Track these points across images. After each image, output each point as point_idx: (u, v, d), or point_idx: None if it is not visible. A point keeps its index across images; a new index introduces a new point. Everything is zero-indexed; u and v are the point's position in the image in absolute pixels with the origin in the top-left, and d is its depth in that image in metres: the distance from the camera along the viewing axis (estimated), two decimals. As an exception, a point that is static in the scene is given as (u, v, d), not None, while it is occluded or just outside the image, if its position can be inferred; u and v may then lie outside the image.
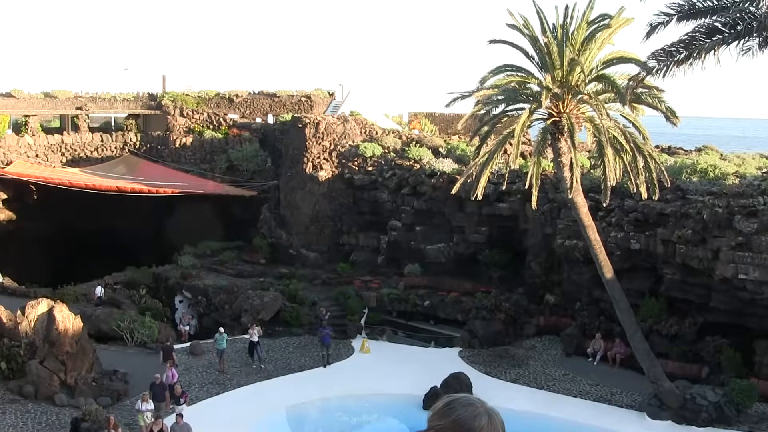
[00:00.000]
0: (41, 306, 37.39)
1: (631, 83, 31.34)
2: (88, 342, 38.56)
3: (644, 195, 37.98)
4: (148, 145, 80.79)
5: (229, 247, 68.00)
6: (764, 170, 47.44)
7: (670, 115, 36.42)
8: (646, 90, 35.32)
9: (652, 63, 23.26)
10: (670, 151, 62.87)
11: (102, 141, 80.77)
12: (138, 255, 65.74)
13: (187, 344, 47.49)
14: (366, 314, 53.34)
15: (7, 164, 72.58)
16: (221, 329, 43.60)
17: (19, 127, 79.45)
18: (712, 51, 21.77)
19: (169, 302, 57.97)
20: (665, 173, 38.60)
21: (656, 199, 39.31)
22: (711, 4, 22.40)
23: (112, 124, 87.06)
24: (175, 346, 46.53)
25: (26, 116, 79.05)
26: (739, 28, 21.66)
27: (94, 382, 37.46)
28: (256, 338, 45.34)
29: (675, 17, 22.69)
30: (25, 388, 34.90)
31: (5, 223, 71.69)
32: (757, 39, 21.44)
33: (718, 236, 41.03)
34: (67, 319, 36.99)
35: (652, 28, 22.84)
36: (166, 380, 36.41)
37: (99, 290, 55.27)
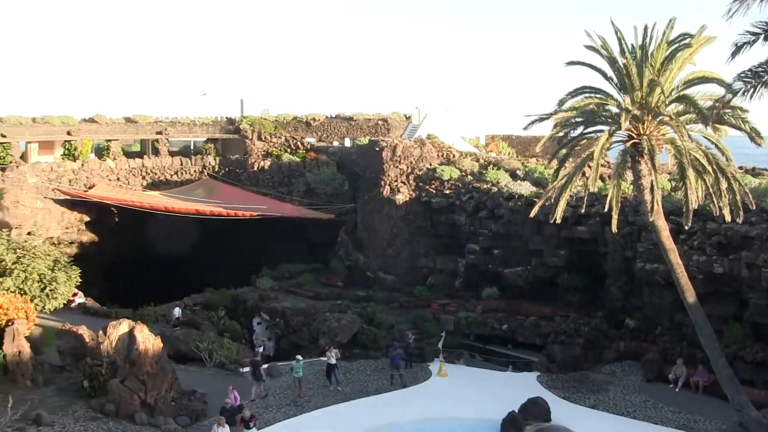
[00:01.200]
0: (122, 326, 37.72)
1: (716, 105, 30.78)
2: (167, 362, 38.78)
3: (728, 217, 37.21)
4: (227, 169, 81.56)
5: (307, 269, 68.32)
6: None
7: (754, 136, 35.67)
8: (729, 110, 34.60)
9: (738, 85, 22.72)
10: (754, 172, 61.91)
11: (181, 164, 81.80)
12: (217, 277, 66.13)
13: (265, 366, 47.52)
14: (443, 338, 53.04)
15: (90, 187, 73.81)
16: (299, 357, 43.41)
17: (101, 152, 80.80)
18: (804, 71, 21.20)
19: (248, 324, 58.27)
20: (749, 195, 37.85)
21: (740, 221, 38.49)
22: (802, 22, 21.85)
23: (192, 147, 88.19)
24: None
25: (108, 141, 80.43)
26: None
27: (173, 401, 37.69)
28: (333, 361, 45.24)
29: (762, 36, 22.14)
30: (106, 406, 35.24)
31: (87, 245, 72.76)
32: None
33: (806, 260, 40.16)
34: (148, 340, 37.26)
35: (737, 48, 22.33)
36: (231, 403, 36.47)
37: (177, 311, 55.64)
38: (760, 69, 21.98)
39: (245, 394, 40.89)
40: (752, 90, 22.19)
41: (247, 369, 45.58)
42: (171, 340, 47.05)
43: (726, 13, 19.20)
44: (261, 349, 52.32)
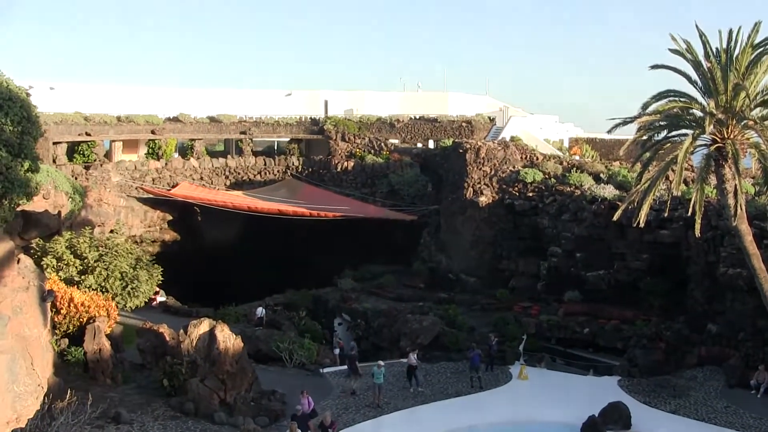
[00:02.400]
0: (203, 325, 38.19)
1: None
2: (247, 362, 39.22)
3: (812, 223, 36.91)
4: (310, 169, 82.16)
5: (389, 271, 68.54)
6: None
7: (841, 141, 35.38)
8: (814, 115, 34.34)
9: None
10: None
11: (265, 164, 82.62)
12: (299, 277, 66.73)
13: (344, 367, 47.91)
14: (525, 340, 53.00)
15: (173, 186, 74.89)
16: (380, 362, 43.62)
17: (185, 151, 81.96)
18: None
19: (329, 325, 58.62)
20: (834, 200, 37.47)
21: (825, 227, 38.16)
22: None
23: (275, 148, 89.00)
24: (332, 369, 47.19)
25: (192, 140, 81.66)
26: None
27: (253, 401, 38.07)
28: (414, 362, 45.58)
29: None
30: (185, 405, 35.59)
31: (170, 244, 73.93)
32: None
33: None
34: (228, 339, 37.73)
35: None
36: (303, 409, 36.53)
37: (260, 311, 56.13)
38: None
39: (324, 396, 41.40)
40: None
41: (328, 369, 46.24)
42: (251, 340, 47.58)
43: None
44: (337, 351, 52.77)
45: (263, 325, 54.46)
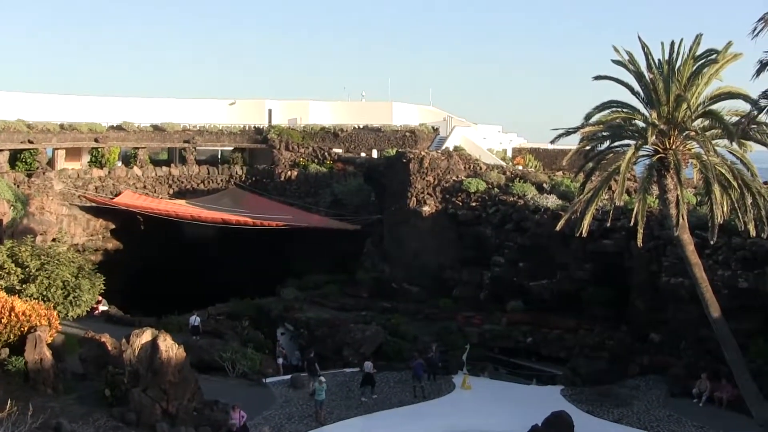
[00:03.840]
0: (145, 335, 37.77)
1: (741, 121, 30.91)
2: (190, 372, 38.85)
3: (753, 233, 37.22)
4: (254, 178, 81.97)
5: (332, 280, 68.41)
6: None
7: (779, 152, 35.79)
8: (755, 126, 34.62)
9: (764, 102, 22.86)
10: (780, 187, 61.68)
11: (208, 173, 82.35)
12: (242, 287, 66.35)
13: (288, 377, 47.68)
14: (468, 350, 53.03)
15: (117, 195, 74.32)
16: (321, 379, 43.44)
17: (128, 159, 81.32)
18: (828, 90, 21.30)
19: (272, 334, 58.32)
20: (775, 210, 37.82)
21: (765, 237, 38.46)
22: (824, 41, 21.95)
23: (219, 157, 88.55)
24: (275, 379, 47.00)
25: (135, 148, 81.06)
26: None
27: (196, 411, 37.74)
28: (371, 369, 45.94)
29: (787, 55, 22.29)
30: (127, 415, 35.22)
31: (112, 253, 73.28)
32: None
33: (831, 275, 40.15)
34: (171, 349, 37.34)
35: (762, 66, 22.50)
36: (236, 424, 36.33)
37: (195, 320, 55.79)
38: (784, 87, 22.11)
39: (267, 406, 41.21)
40: (778, 107, 22.32)
41: (271, 379, 46.09)
42: (194, 350, 47.23)
43: (751, 32, 19.35)
44: (281, 361, 52.54)
45: (199, 334, 54.03)
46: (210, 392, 40.74)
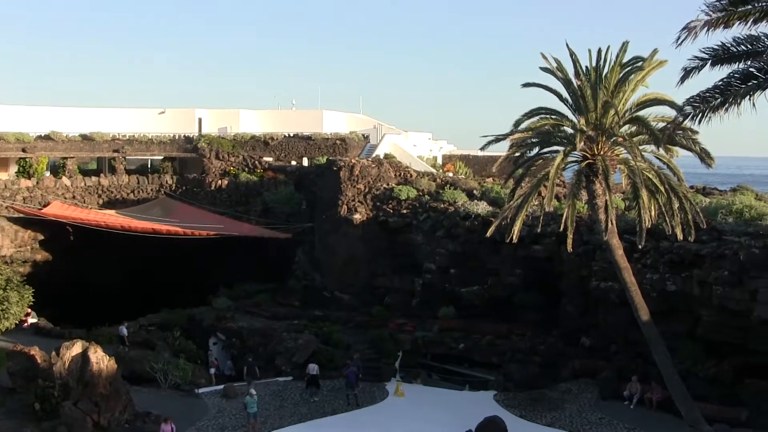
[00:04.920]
0: (76, 347, 37.42)
1: (668, 127, 31.37)
2: (122, 383, 38.57)
3: (680, 236, 37.76)
4: (184, 188, 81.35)
5: (264, 289, 68.12)
6: (800, 211, 47.14)
7: (704, 157, 36.34)
8: (681, 131, 35.12)
9: (688, 109, 23.24)
10: (705, 191, 62.77)
11: (138, 183, 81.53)
12: (173, 296, 65.88)
13: (220, 387, 47.47)
14: (400, 357, 53.15)
15: (45, 206, 73.36)
16: (252, 392, 43.29)
17: (57, 169, 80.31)
18: (748, 96, 21.73)
19: (204, 344, 57.91)
20: (701, 214, 38.45)
21: (692, 240, 39.05)
22: (745, 49, 22.39)
23: (149, 166, 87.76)
24: (207, 389, 46.79)
25: (64, 158, 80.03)
26: (775, 72, 21.66)
27: (127, 423, 37.46)
28: (314, 372, 46.72)
29: (709, 62, 22.69)
30: (58, 429, 34.83)
31: (41, 264, 72.26)
32: (793, 83, 21.43)
33: (756, 277, 40.86)
34: (102, 361, 37.05)
35: (686, 73, 22.83)
36: None
37: (122, 330, 55.27)
38: (708, 94, 22.49)
39: (199, 417, 41.03)
40: (700, 114, 22.71)
41: (203, 390, 45.96)
42: (125, 361, 46.85)
43: (675, 41, 19.70)
44: (213, 371, 52.31)
45: (126, 345, 53.57)
46: (142, 404, 40.42)
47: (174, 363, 48.62)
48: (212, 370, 52.23)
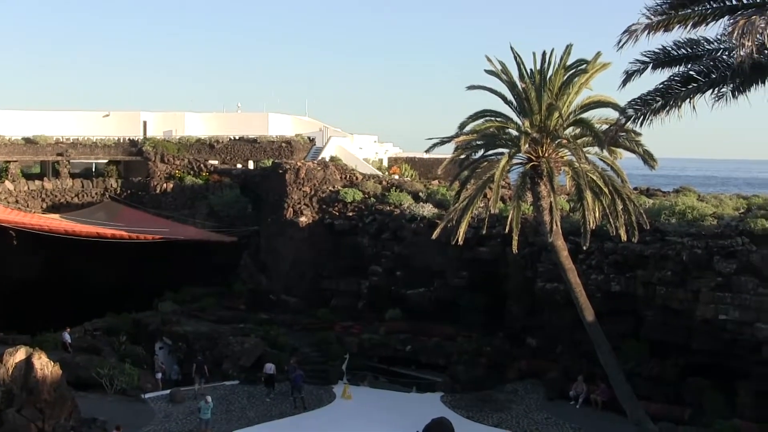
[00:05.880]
0: (19, 353, 37.00)
1: (610, 129, 31.68)
2: (67, 390, 38.19)
3: (624, 237, 38.13)
4: (129, 191, 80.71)
5: (210, 293, 67.64)
6: (741, 211, 47.79)
7: (647, 158, 36.79)
8: (624, 134, 35.45)
9: (630, 111, 23.53)
10: (648, 193, 63.34)
11: (83, 187, 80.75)
12: (118, 301, 65.32)
13: (167, 392, 47.21)
14: (347, 360, 53.16)
15: (-13, 211, 72.35)
16: (208, 398, 43.04)
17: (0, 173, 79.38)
18: (688, 99, 22.04)
19: (150, 349, 57.49)
20: (644, 215, 38.87)
21: (635, 241, 39.48)
22: (685, 53, 22.71)
23: (93, 170, 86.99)
24: (154, 394, 46.55)
25: (7, 162, 79.01)
26: (714, 76, 21.97)
27: (73, 430, 37.08)
28: (271, 371, 47.60)
29: (650, 65, 22.98)
30: (1, 436, 34.55)
31: (-17, 270, 71.29)
32: (731, 86, 21.74)
33: (698, 277, 41.48)
34: (46, 367, 36.68)
35: (628, 76, 23.10)
36: None
37: (66, 336, 54.76)
38: (649, 97, 22.77)
39: (146, 422, 40.83)
40: (642, 117, 22.98)
41: (150, 394, 45.77)
42: (71, 367, 46.31)
43: (617, 44, 19.93)
44: (159, 375, 52.01)
45: (69, 351, 53.08)
46: (88, 410, 40.11)
47: (120, 368, 48.28)
48: (159, 375, 51.92)
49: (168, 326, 58.91)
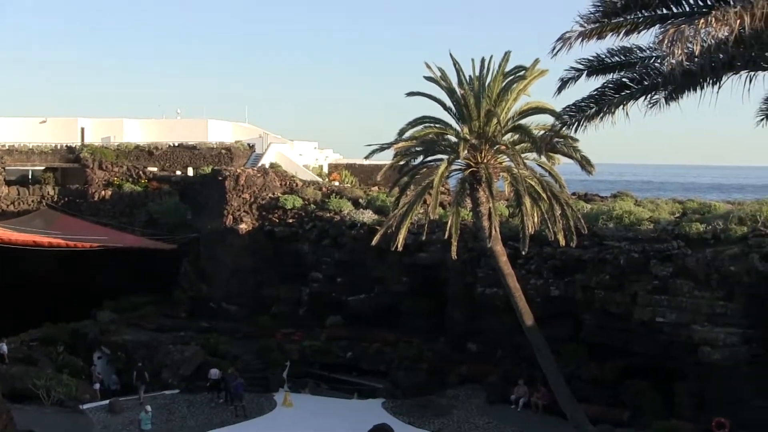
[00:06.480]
0: (-46, 365, 36.61)
1: (547, 135, 31.94)
2: (2, 402, 37.54)
3: (562, 242, 38.53)
4: (66, 199, 79.73)
5: (150, 301, 67.08)
6: (677, 215, 48.42)
7: (585, 164, 37.16)
8: (562, 140, 35.73)
9: (564, 118, 23.77)
10: (586, 198, 63.79)
11: (18, 194, 79.63)
12: (56, 310, 64.58)
13: (106, 402, 46.79)
14: (288, 367, 53.03)
15: None
16: (147, 408, 42.80)
17: (-69, 180, 78.28)
18: (621, 106, 22.28)
19: (88, 359, 56.90)
20: (582, 220, 39.33)
21: (574, 246, 39.89)
22: (619, 60, 22.95)
23: (29, 177, 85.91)
24: (92, 405, 46.10)
25: (-61, 170, 77.93)
26: (646, 83, 22.23)
27: (8, 443, 36.66)
28: (216, 376, 47.66)
29: (585, 72, 23.19)
30: (-68, 451, 33.98)
31: None
32: (663, 93, 22.01)
33: (635, 281, 41.99)
34: (-20, 379, 36.26)
35: (563, 83, 23.29)
36: None
37: (2, 347, 54.09)
38: (583, 104, 22.99)
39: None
40: (576, 123, 23.19)
41: (88, 405, 45.37)
42: (6, 378, 45.88)
43: (551, 51, 20.10)
44: (98, 386, 51.52)
45: (6, 362, 52.44)
46: (24, 422, 39.45)
47: (57, 379, 47.77)
48: (97, 386, 51.45)
49: (107, 336, 58.36)
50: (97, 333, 59.22)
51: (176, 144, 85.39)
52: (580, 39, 20.19)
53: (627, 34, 20.95)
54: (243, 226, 64.59)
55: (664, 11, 20.48)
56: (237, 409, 45.82)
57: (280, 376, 52.13)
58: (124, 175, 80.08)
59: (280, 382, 51.58)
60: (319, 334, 56.60)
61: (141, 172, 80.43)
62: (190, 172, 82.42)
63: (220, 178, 67.64)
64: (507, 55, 38.66)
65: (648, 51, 22.45)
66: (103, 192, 78.17)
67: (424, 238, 48.71)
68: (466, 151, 37.22)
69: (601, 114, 22.53)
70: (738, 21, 16.46)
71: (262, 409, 47.14)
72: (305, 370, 53.69)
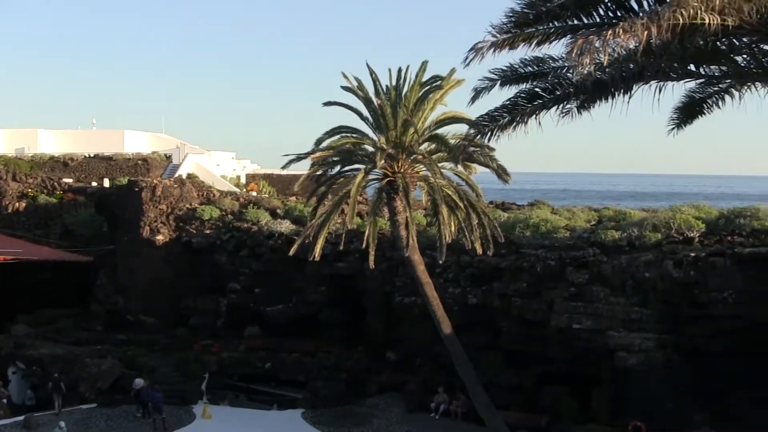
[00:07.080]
0: None
1: (461, 144, 32.19)
2: None
3: (479, 251, 38.83)
4: (-21, 212, 78.54)
5: (66, 314, 66.16)
6: (593, 223, 49.12)
7: (501, 173, 37.51)
8: (478, 149, 36.05)
9: (479, 127, 24.01)
10: (504, 206, 64.36)
11: (-72, 207, 78.25)
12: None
13: (21, 418, 46.07)
14: (207, 379, 52.68)
15: None
16: (61, 423, 42.27)
17: None
18: (534, 115, 22.59)
19: (2, 374, 55.96)
20: (498, 229, 39.73)
21: (491, 254, 40.27)
22: (531, 70, 23.26)
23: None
24: (7, 421, 45.39)
25: None
26: (558, 93, 22.58)
27: None
28: (140, 386, 46.86)
29: (498, 82, 23.45)
30: None
31: None
32: (575, 102, 22.38)
33: (552, 288, 42.53)
34: None
35: (477, 93, 23.50)
36: None
37: None
38: (496, 113, 23.27)
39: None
40: (490, 132, 23.46)
41: (1, 422, 44.70)
42: None
43: (463, 61, 20.28)
44: (5, 401, 50.72)
45: None
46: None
47: (-32, 396, 47.01)
48: (5, 401, 50.62)
49: (22, 350, 57.37)
50: (11, 347, 58.18)
51: (92, 155, 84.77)
52: (492, 49, 20.37)
53: (539, 44, 21.22)
54: (160, 238, 64.05)
55: (575, 22, 20.79)
56: (156, 422, 45.38)
57: (199, 388, 51.75)
58: (38, 187, 79.06)
59: (198, 394, 51.20)
60: (237, 345, 56.31)
61: (56, 184, 79.50)
62: (107, 183, 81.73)
63: (136, 189, 66.97)
64: (424, 64, 38.91)
65: (560, 61, 22.77)
66: (17, 204, 77.03)
67: (341, 247, 48.62)
68: (383, 161, 37.33)
69: (514, 123, 22.82)
70: (645, 32, 16.77)
71: (181, 422, 46.76)
72: (224, 382, 53.37)
